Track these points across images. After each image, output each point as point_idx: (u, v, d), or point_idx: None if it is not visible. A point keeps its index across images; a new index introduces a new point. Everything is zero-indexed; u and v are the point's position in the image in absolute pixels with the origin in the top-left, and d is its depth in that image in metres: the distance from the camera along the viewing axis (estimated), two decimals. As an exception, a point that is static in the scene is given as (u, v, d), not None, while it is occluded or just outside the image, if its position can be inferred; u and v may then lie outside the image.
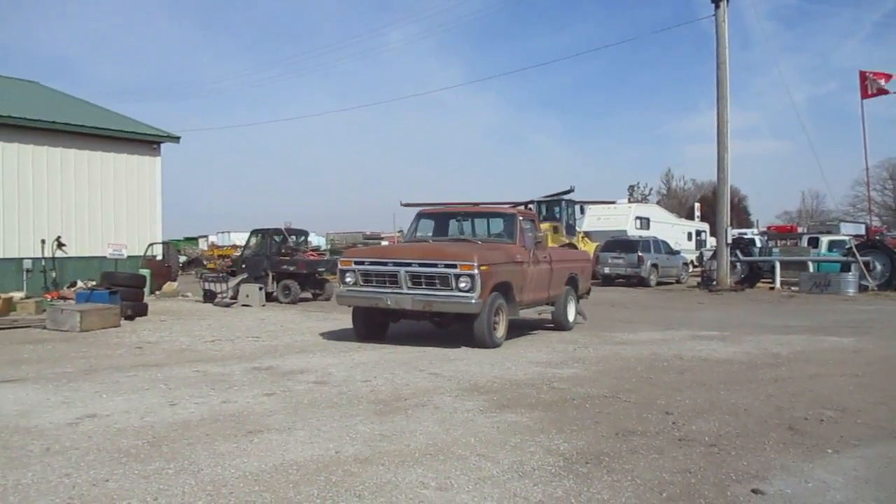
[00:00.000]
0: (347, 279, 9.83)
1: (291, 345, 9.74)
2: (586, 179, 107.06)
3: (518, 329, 10.83)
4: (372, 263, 9.74)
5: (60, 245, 15.52)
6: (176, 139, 18.75)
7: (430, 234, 11.25)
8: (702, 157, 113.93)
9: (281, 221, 19.89)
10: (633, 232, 28.96)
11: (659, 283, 24.85)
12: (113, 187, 17.24)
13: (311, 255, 21.93)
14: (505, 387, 6.92)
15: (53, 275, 15.43)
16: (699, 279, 24.72)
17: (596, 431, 5.36)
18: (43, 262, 15.39)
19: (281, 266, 17.35)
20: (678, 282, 26.20)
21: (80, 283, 15.11)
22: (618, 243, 25.30)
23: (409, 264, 9.36)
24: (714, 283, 22.31)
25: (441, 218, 11.67)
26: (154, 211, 18.11)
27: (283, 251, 17.98)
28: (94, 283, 14.59)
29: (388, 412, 5.86)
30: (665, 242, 26.67)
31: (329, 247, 42.03)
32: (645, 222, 31.04)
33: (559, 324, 11.56)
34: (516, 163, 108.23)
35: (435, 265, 9.20)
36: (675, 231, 33.02)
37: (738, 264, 23.34)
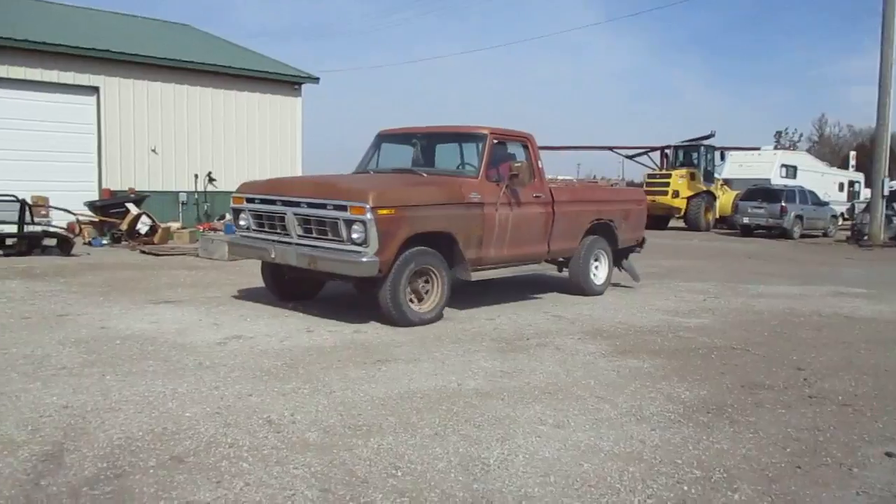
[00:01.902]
0: (241, 222, 7.71)
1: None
2: (729, 125, 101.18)
3: (646, 278, 10.54)
4: (261, 201, 7.40)
5: (211, 180, 16.66)
6: (315, 80, 19.41)
7: (394, 164, 8.47)
8: (861, 101, 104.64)
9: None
10: (778, 180, 27.27)
11: (803, 236, 23.43)
12: (258, 126, 18.17)
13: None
14: (628, 332, 6.88)
15: (205, 207, 16.63)
16: (849, 233, 23.09)
17: (720, 382, 5.27)
18: (196, 196, 16.62)
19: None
20: (825, 235, 24.58)
21: (227, 216, 16.21)
22: (759, 192, 23.91)
23: (298, 204, 6.94)
24: (865, 237, 20.77)
25: (404, 142, 8.87)
26: (294, 149, 18.95)
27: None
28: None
29: (509, 350, 6.00)
30: (812, 193, 24.96)
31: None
32: (791, 171, 29.14)
33: (577, 286, 8.96)
34: (654, 107, 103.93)
35: (324, 206, 6.67)
36: (824, 181, 30.81)
37: (893, 218, 21.57)
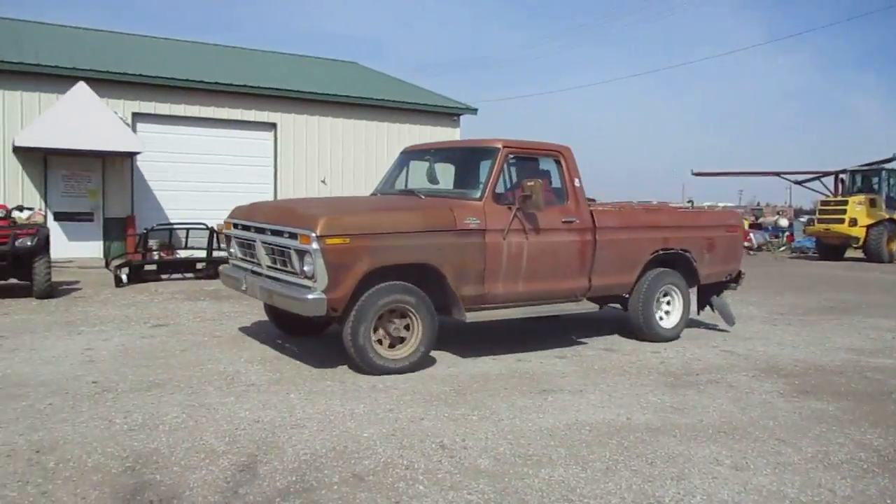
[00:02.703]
0: (232, 249, 7.09)
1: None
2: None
3: (822, 313, 9.82)
4: (240, 227, 6.73)
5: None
6: (473, 111, 19.88)
7: (418, 183, 7.35)
8: None
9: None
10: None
11: None
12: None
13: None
14: (808, 371, 6.45)
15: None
16: None
17: (920, 430, 4.82)
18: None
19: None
20: None
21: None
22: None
23: (264, 231, 6.25)
24: None
25: (426, 159, 7.59)
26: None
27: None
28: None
29: (678, 385, 5.80)
30: None
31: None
32: None
33: (638, 329, 7.51)
34: (825, 129, 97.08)
35: (282, 233, 5.94)
36: None
37: None
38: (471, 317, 6.25)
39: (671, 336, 7.64)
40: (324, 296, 5.52)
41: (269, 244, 6.13)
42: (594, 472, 3.91)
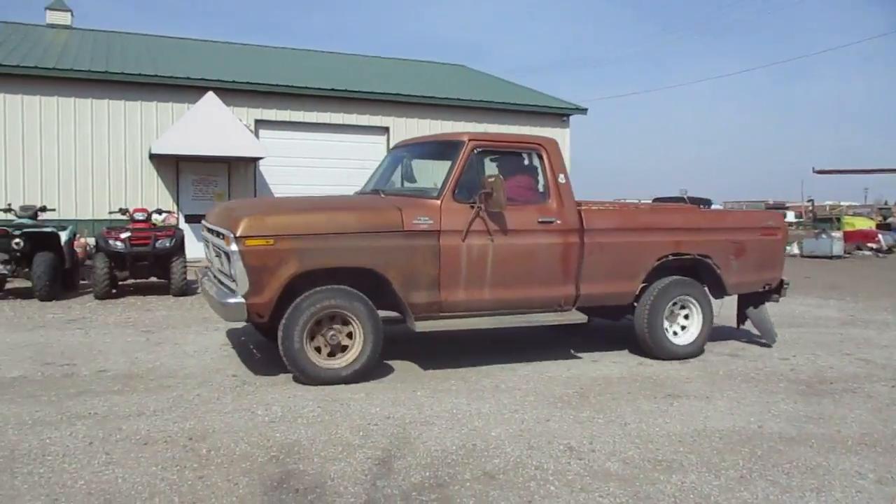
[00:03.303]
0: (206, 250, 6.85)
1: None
2: None
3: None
4: (204, 227, 6.44)
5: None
6: (583, 111, 19.67)
7: (409, 182, 6.92)
8: None
9: (677, 189, 19.72)
10: None
11: None
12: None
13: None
14: (956, 383, 6.05)
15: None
16: None
17: None
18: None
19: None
20: None
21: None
22: None
23: (210, 231, 6.10)
24: None
25: (412, 155, 7.01)
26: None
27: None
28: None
29: (811, 394, 5.58)
30: None
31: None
32: None
33: (645, 345, 6.66)
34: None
35: (219, 234, 5.72)
36: None
37: None
38: (426, 326, 5.76)
39: (686, 354, 6.67)
40: (243, 300, 5.31)
41: (213, 245, 6.05)
42: (728, 481, 3.84)
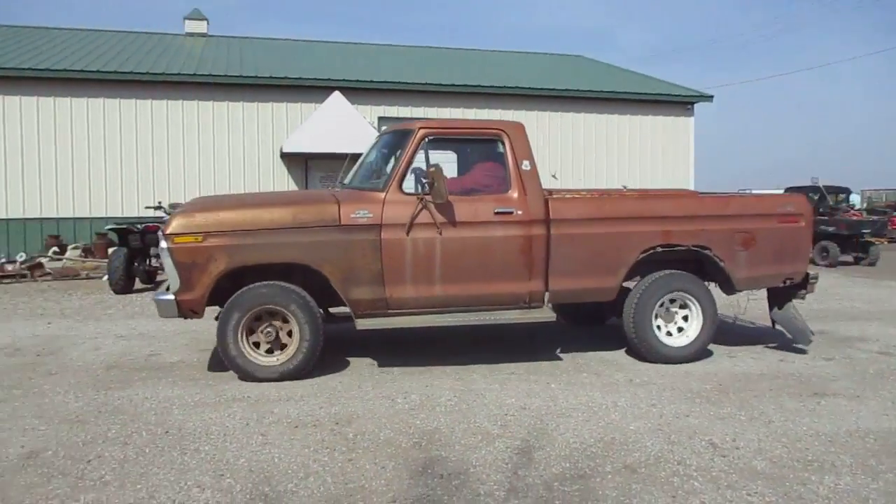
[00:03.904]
0: None
1: (841, 310, 9.18)
2: None
3: None
4: None
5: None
6: (709, 98, 18.98)
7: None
8: None
9: (808, 178, 18.68)
10: None
11: None
12: (650, 148, 18.38)
13: (855, 214, 20.04)
14: None
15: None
16: None
17: None
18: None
19: (818, 226, 16.32)
20: None
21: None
22: None
23: None
24: None
25: (379, 144, 6.68)
26: (686, 170, 18.72)
27: (820, 210, 16.86)
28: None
29: (977, 396, 5.19)
30: None
31: (866, 206, 37.58)
32: None
33: (631, 345, 6.17)
34: None
35: None
36: None
37: None
38: (368, 324, 5.59)
39: (682, 357, 6.05)
40: (172, 297, 5.38)
41: None
42: (887, 484, 3.64)
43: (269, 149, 15.51)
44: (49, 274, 12.30)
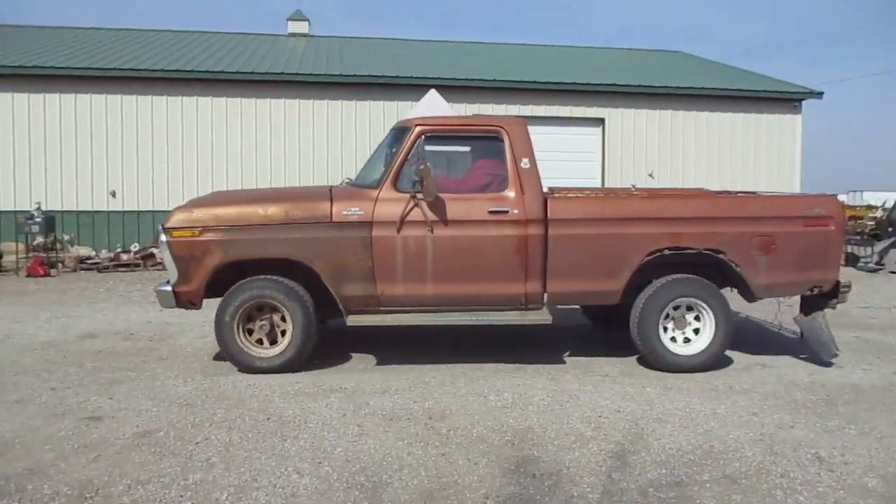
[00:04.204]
0: None
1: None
2: None
3: None
4: None
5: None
6: (818, 94, 18.07)
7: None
8: None
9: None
10: None
11: None
12: (753, 147, 17.67)
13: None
14: None
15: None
16: None
17: None
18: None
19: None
20: None
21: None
22: None
23: None
24: None
25: (388, 141, 6.53)
26: (792, 170, 17.90)
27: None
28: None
29: None
30: None
31: None
32: None
33: (639, 352, 5.92)
34: None
35: None
36: None
37: None
38: (358, 321, 5.66)
39: (692, 366, 5.75)
40: (169, 288, 5.64)
41: None
42: None
43: (365, 146, 15.81)
44: (160, 263, 12.98)
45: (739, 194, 6.99)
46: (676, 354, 5.78)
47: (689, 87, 17.41)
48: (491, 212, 5.65)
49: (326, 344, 6.34)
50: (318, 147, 15.77)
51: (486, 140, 5.93)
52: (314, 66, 16.43)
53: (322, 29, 25.85)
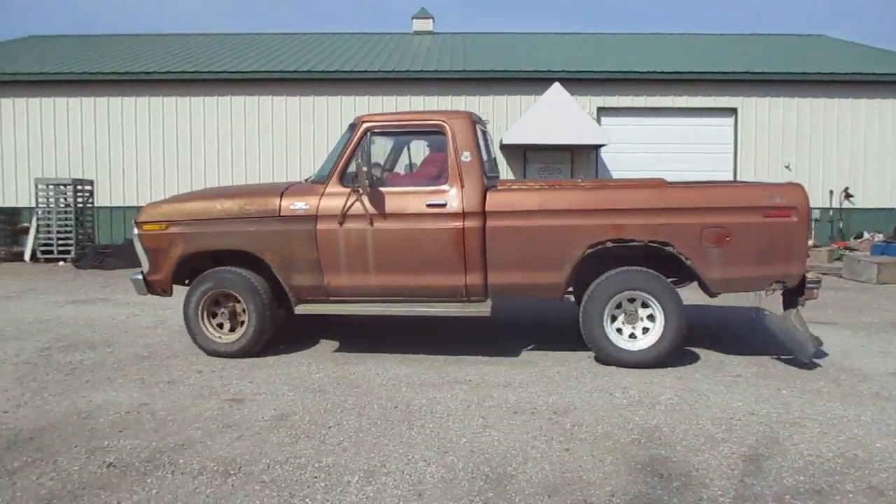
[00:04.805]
0: None
1: None
2: None
3: None
4: None
5: (848, 196, 15.68)
6: None
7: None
8: None
9: None
10: None
11: None
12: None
13: None
14: None
15: (839, 225, 15.76)
16: None
17: None
18: (830, 213, 15.87)
19: None
20: None
21: (865, 235, 15.05)
22: None
23: None
24: None
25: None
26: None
27: None
28: (881, 235, 14.32)
29: None
30: None
31: None
32: None
33: (592, 345, 5.73)
34: None
35: None
36: None
37: None
38: (305, 310, 5.96)
39: (639, 361, 5.60)
40: (140, 277, 6.23)
41: None
42: None
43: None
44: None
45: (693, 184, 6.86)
46: (621, 349, 5.68)
47: (832, 73, 16.32)
48: (429, 205, 5.77)
49: (450, 333, 6.44)
50: (442, 143, 16.00)
51: (430, 135, 6.13)
52: (438, 63, 16.68)
53: (450, 24, 26.16)
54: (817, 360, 5.85)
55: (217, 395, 5.01)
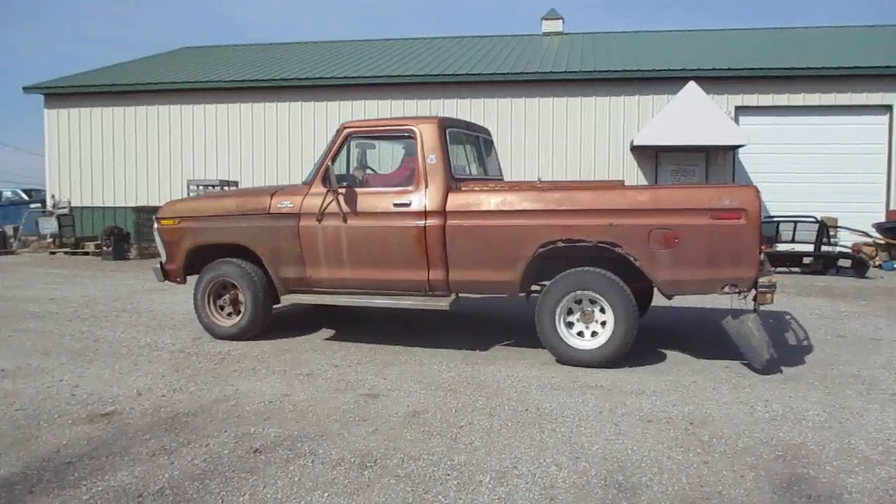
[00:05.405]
0: None
1: None
2: None
3: None
4: None
5: None
6: None
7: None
8: None
9: None
10: None
11: None
12: None
13: None
14: None
15: None
16: None
17: None
18: None
19: None
20: None
21: None
22: None
23: None
24: None
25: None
26: None
27: None
28: None
29: None
30: None
31: None
32: None
33: (543, 344, 5.87)
34: None
35: None
36: None
37: None
38: (290, 299, 6.70)
39: (591, 360, 5.69)
40: (159, 266, 7.08)
41: None
42: None
43: (619, 142, 15.58)
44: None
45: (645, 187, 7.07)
46: (573, 348, 5.78)
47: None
48: (395, 204, 6.17)
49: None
50: (571, 144, 15.82)
51: (404, 139, 6.53)
52: (568, 64, 16.51)
53: (581, 25, 25.83)
54: None
55: (353, 389, 5.20)
